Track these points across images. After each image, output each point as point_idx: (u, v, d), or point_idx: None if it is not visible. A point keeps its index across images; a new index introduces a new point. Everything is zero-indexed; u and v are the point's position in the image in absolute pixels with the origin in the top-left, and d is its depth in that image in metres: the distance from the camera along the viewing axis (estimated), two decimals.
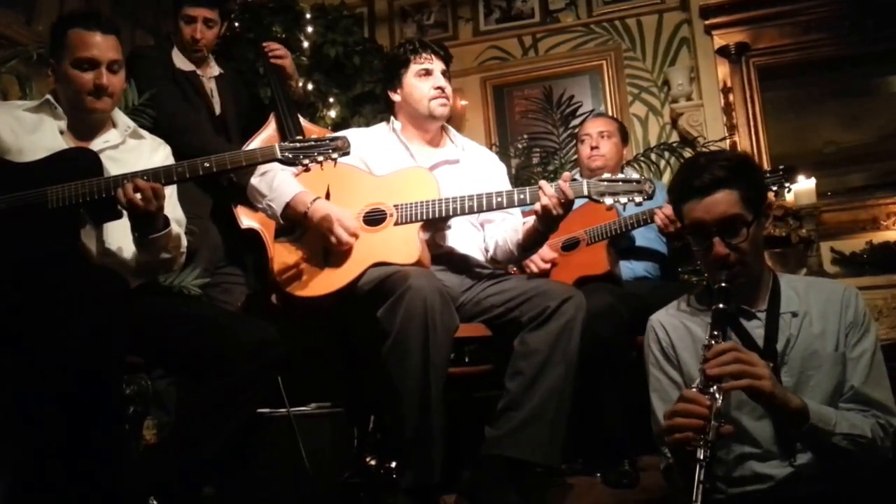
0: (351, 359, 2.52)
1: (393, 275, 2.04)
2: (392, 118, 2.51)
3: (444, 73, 2.43)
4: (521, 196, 2.14)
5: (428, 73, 2.41)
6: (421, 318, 1.94)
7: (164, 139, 2.28)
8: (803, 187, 3.80)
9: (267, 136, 3.01)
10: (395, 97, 2.46)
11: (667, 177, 4.23)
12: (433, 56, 2.42)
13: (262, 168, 2.28)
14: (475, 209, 2.19)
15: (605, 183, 2.09)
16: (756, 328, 1.68)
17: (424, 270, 2.11)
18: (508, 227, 2.37)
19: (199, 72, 3.02)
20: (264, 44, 3.15)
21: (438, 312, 1.96)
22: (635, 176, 2.10)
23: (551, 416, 2.03)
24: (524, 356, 2.07)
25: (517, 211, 2.42)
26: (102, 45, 2.02)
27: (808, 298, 1.70)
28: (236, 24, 3.43)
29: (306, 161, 1.94)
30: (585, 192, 2.08)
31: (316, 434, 2.04)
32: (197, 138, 2.72)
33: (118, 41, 2.07)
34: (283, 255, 2.27)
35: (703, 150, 4.04)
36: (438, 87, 2.40)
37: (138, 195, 1.84)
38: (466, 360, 3.05)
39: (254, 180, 2.31)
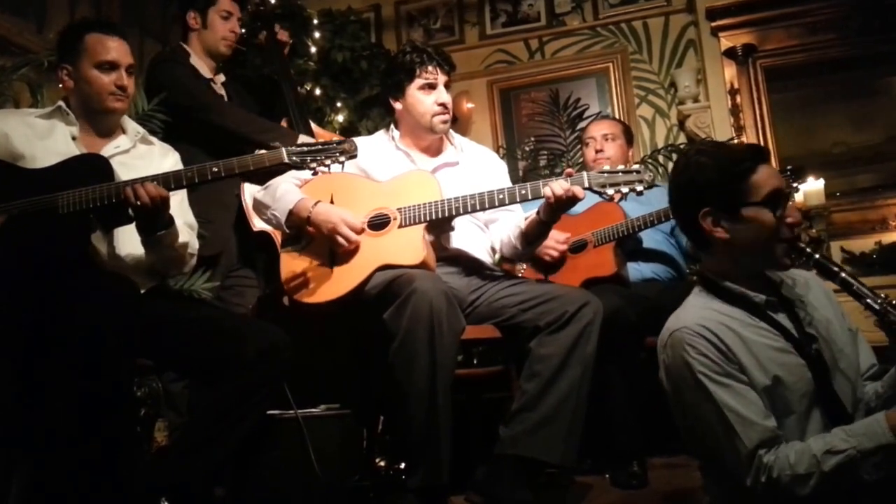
0: (360, 361, 2.53)
1: (399, 277, 2.05)
2: (392, 126, 2.52)
3: (446, 86, 2.41)
4: (523, 192, 2.15)
5: (432, 87, 2.39)
6: (427, 320, 1.95)
7: (189, 120, 2.33)
8: (812, 188, 3.80)
9: None
10: (397, 105, 2.45)
11: None
12: (438, 70, 2.39)
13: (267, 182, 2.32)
14: (478, 207, 2.20)
15: (606, 174, 2.11)
16: (780, 318, 1.62)
17: (430, 273, 2.12)
18: (511, 224, 2.38)
19: (213, 78, 3.06)
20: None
21: (444, 314, 1.97)
22: (635, 166, 2.13)
23: (567, 417, 2.05)
24: (541, 359, 2.09)
25: (518, 208, 2.43)
26: (121, 49, 2.11)
27: (796, 285, 1.69)
28: (243, 31, 3.46)
29: (314, 165, 1.95)
30: (586, 184, 2.10)
31: (325, 436, 2.04)
32: (230, 116, 2.81)
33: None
34: (290, 263, 2.28)
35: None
36: (441, 104, 2.39)
37: (147, 200, 1.87)
38: (475, 361, 3.07)
39: (258, 194, 2.35)
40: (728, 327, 1.56)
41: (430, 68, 2.38)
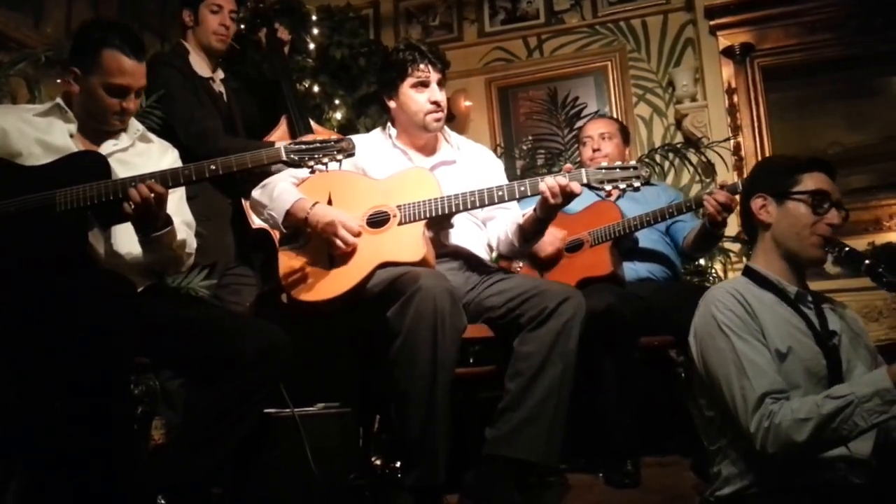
0: (358, 359, 2.54)
1: (403, 275, 2.06)
2: (389, 124, 2.52)
3: (440, 83, 2.40)
4: (522, 188, 2.16)
5: (424, 85, 2.38)
6: (430, 319, 1.95)
7: (182, 148, 2.31)
8: None
9: (277, 137, 3.03)
10: (391, 104, 2.45)
11: (671, 178, 4.24)
12: (430, 67, 2.37)
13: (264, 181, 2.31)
14: (477, 204, 2.20)
15: (603, 171, 2.12)
16: (808, 311, 1.76)
17: (434, 271, 2.13)
18: (509, 221, 2.39)
19: (212, 76, 3.05)
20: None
21: (448, 313, 1.97)
22: (632, 163, 2.14)
23: (549, 416, 2.05)
24: (523, 357, 2.09)
25: (516, 206, 2.44)
26: (137, 74, 2.03)
27: (836, 306, 1.84)
28: (241, 27, 3.46)
29: (311, 163, 1.94)
30: (584, 181, 2.10)
31: (322, 434, 2.04)
32: (212, 143, 2.73)
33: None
34: (288, 261, 2.28)
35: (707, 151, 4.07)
36: (434, 102, 2.38)
37: (139, 201, 1.86)
38: (471, 360, 3.07)
39: (255, 193, 2.34)
40: (757, 298, 1.73)
41: (422, 66, 2.37)
